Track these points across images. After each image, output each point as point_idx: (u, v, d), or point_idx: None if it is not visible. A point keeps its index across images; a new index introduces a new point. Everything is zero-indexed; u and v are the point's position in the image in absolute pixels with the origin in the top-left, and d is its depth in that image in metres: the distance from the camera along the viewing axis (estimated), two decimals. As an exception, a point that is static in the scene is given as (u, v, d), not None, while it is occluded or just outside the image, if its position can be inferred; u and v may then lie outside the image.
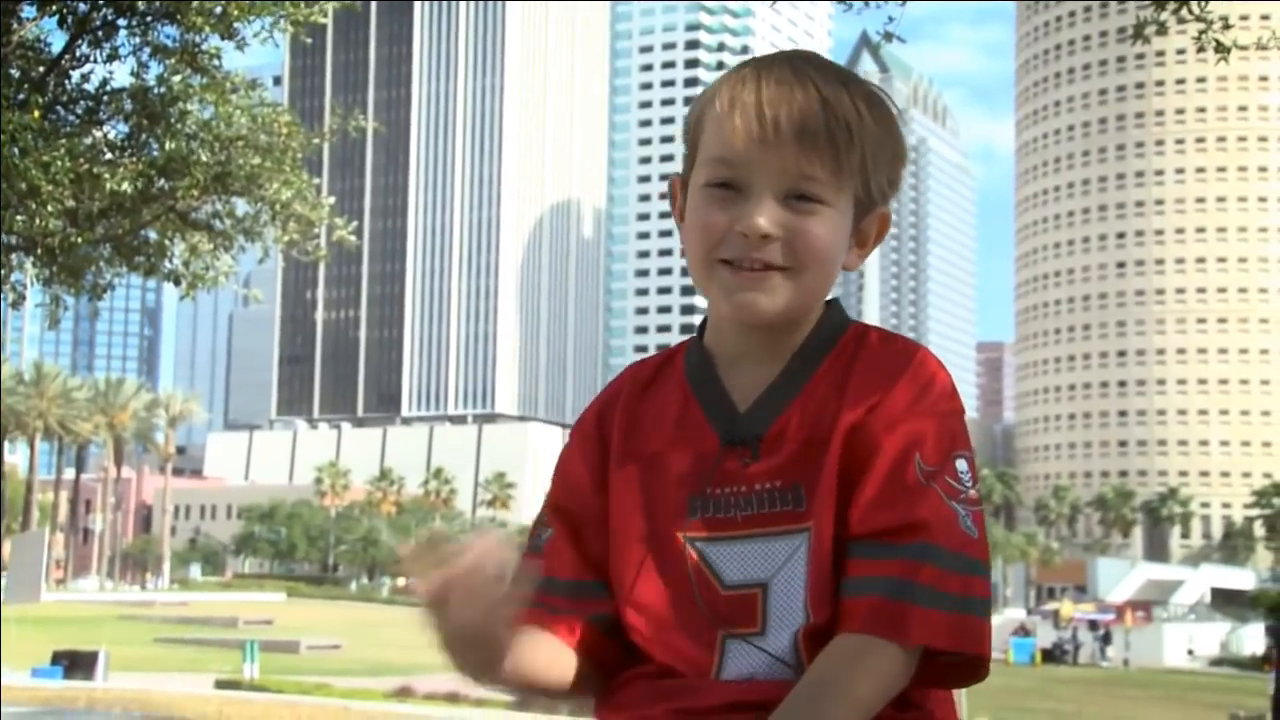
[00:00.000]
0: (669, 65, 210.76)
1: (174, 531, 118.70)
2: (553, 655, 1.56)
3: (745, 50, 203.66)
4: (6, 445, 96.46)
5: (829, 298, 1.58)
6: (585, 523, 1.62)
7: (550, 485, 1.68)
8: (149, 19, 10.80)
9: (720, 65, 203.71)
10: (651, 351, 1.61)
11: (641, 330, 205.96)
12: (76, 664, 20.15)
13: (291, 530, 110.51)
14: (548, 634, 1.56)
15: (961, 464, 1.47)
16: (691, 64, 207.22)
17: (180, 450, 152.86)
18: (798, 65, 1.52)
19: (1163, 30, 8.32)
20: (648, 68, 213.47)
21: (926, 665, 1.44)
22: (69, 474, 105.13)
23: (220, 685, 23.65)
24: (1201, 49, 8.15)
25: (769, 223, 1.47)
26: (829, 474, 1.49)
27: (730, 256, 1.49)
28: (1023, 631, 65.98)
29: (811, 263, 1.49)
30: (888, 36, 8.30)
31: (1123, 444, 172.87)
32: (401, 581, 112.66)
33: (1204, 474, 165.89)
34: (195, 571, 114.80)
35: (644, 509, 1.57)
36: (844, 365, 1.53)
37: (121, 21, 10.82)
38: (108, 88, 11.07)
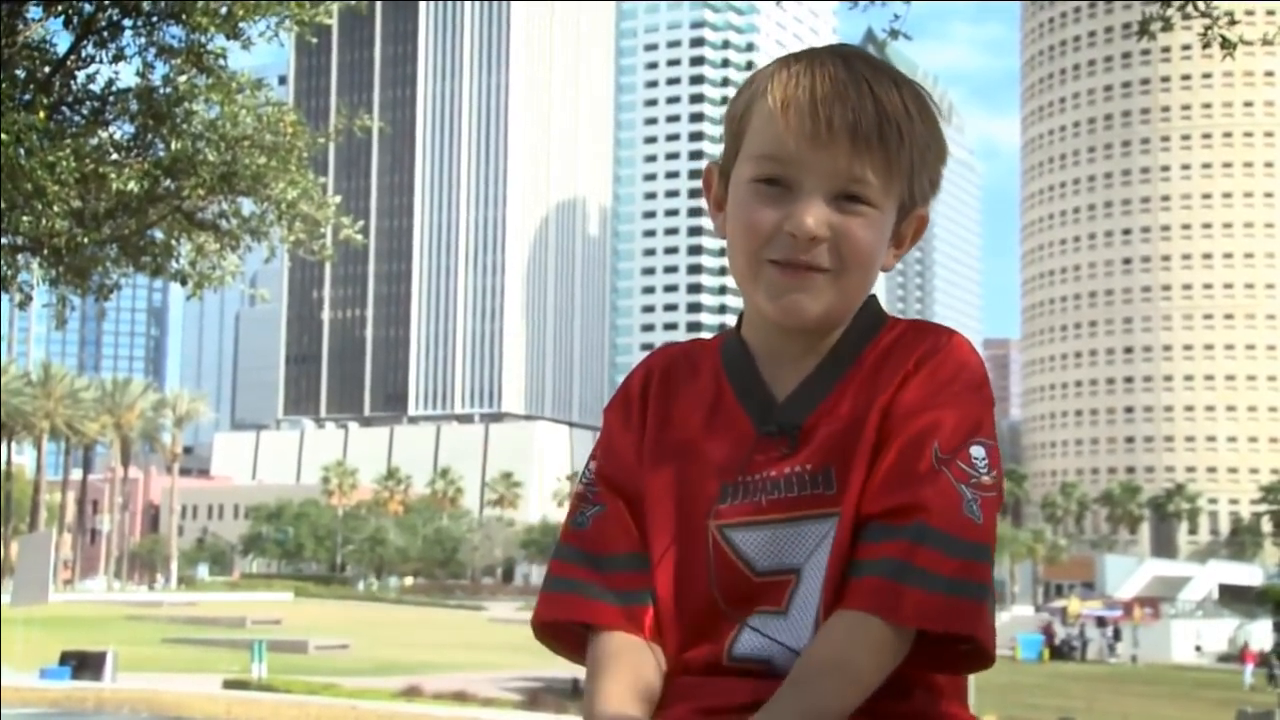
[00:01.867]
0: (674, 64, 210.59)
1: (181, 532, 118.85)
2: (647, 668, 1.54)
3: (750, 48, 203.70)
4: (14, 446, 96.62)
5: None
6: (634, 497, 1.61)
7: (597, 462, 1.66)
8: (154, 19, 10.80)
9: (725, 63, 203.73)
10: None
11: (648, 329, 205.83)
12: (85, 664, 20.16)
13: (299, 530, 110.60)
14: (630, 645, 1.54)
15: (978, 450, 1.47)
16: (696, 62, 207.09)
17: (187, 450, 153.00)
18: (851, 62, 1.50)
19: (1168, 26, 8.30)
20: (652, 66, 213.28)
21: (932, 649, 1.45)
22: (76, 474, 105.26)
23: (228, 685, 23.68)
24: (1207, 45, 8.12)
25: (818, 224, 1.46)
26: (861, 457, 1.49)
27: (778, 256, 1.48)
28: (1050, 630, 66.00)
29: (855, 265, 1.49)
30: (893, 34, 8.28)
31: (1130, 440, 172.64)
32: (408, 581, 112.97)
33: (1211, 470, 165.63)
34: (203, 571, 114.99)
35: (676, 496, 1.57)
36: (879, 357, 1.53)
37: (127, 22, 10.82)
38: (113, 88, 11.08)
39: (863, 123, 1.45)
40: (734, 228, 1.52)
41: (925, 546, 1.42)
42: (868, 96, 1.46)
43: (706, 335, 1.72)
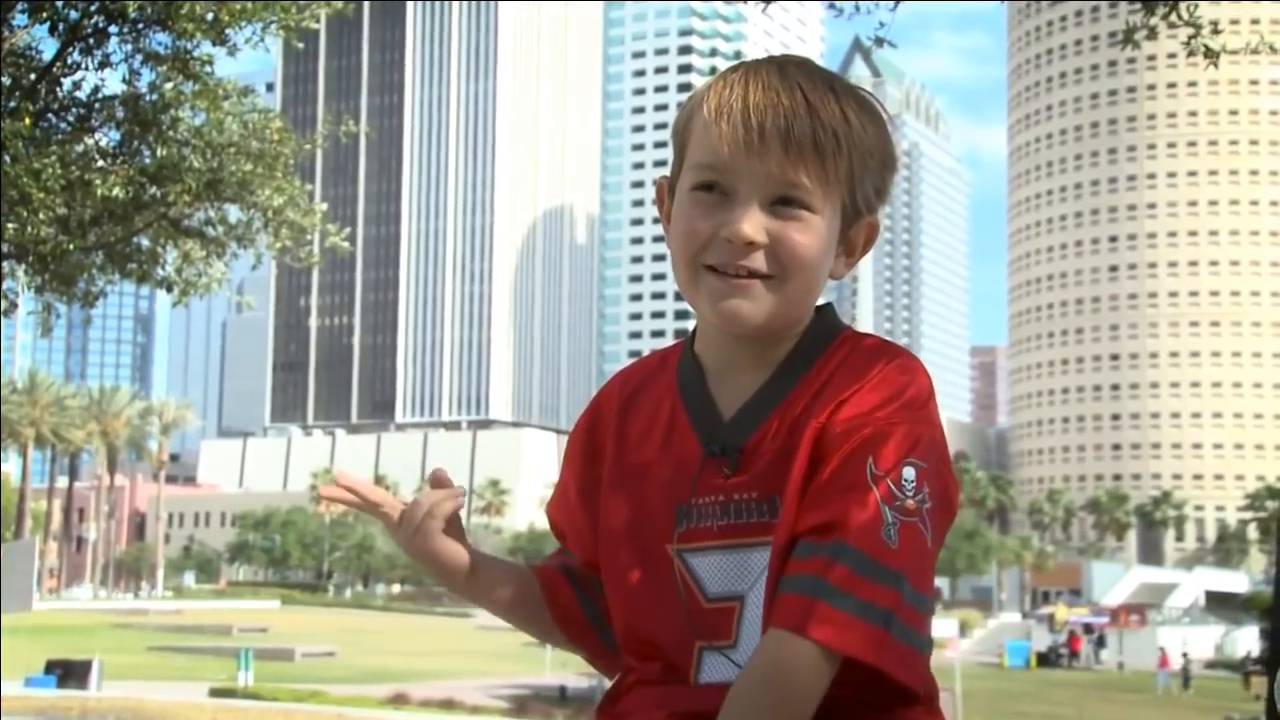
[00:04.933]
0: (661, 70, 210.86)
1: (168, 539, 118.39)
2: (521, 586, 1.68)
3: (738, 55, 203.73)
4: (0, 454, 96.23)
5: (821, 303, 1.57)
6: (570, 532, 1.69)
7: (552, 497, 1.75)
8: (140, 26, 10.77)
9: (713, 70, 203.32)
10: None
11: (635, 335, 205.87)
12: (70, 673, 20.13)
13: (286, 537, 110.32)
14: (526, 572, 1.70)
15: (909, 471, 1.43)
16: (684, 69, 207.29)
17: (174, 458, 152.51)
18: (786, 71, 1.50)
19: (1153, 35, 8.32)
20: (640, 73, 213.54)
21: (861, 674, 1.42)
22: (62, 482, 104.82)
23: (215, 693, 23.61)
24: (1192, 53, 8.15)
25: (754, 229, 1.46)
26: (795, 482, 1.47)
27: (715, 262, 1.48)
28: (1088, 629, 66.50)
29: (796, 271, 1.48)
30: (878, 41, 8.31)
31: (1116, 447, 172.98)
32: (395, 588, 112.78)
33: (1197, 477, 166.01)
34: (189, 579, 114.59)
35: (636, 519, 1.58)
36: (826, 378, 1.51)
37: (113, 29, 10.79)
38: (99, 95, 11.06)
39: (795, 128, 1.45)
40: (674, 235, 1.54)
41: (840, 564, 1.40)
42: (801, 103, 1.46)
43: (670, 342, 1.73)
